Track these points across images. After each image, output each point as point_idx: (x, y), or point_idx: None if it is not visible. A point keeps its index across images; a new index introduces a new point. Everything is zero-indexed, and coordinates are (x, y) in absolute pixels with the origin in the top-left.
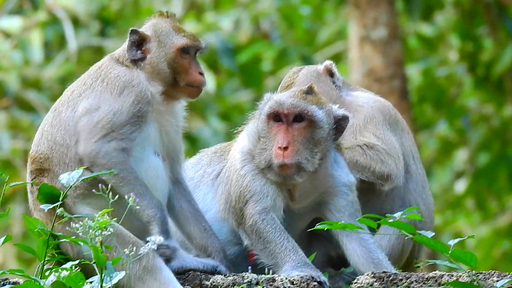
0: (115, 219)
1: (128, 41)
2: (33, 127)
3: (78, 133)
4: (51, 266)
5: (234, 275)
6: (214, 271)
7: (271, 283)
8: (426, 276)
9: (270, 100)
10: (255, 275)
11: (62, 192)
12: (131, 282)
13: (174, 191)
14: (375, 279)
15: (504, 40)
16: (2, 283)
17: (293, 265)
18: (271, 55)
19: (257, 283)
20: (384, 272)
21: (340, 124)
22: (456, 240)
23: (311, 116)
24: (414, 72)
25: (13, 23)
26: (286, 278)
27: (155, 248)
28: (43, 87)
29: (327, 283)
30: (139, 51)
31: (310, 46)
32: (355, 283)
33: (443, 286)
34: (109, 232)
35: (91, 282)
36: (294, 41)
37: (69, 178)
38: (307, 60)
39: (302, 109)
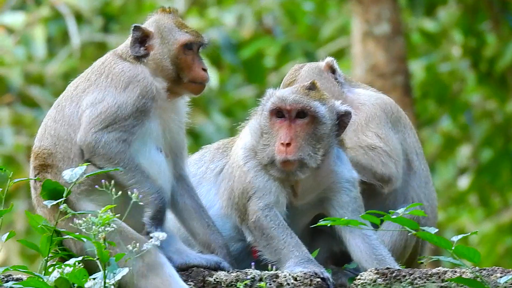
0: (118, 215)
1: (131, 37)
2: (36, 123)
3: (81, 125)
4: (54, 263)
5: (237, 271)
6: (217, 267)
7: (274, 279)
8: (429, 272)
9: (273, 96)
10: (258, 271)
11: (65, 188)
12: (134, 279)
13: (177, 187)
14: (378, 275)
15: (507, 35)
16: (5, 279)
17: (296, 261)
18: (274, 50)
19: (260, 279)
20: (387, 268)
21: (342, 120)
22: (460, 236)
23: (313, 112)
24: (417, 67)
25: (16, 19)
26: (289, 274)
27: (158, 245)
28: (46, 83)
29: (330, 279)
30: (142, 48)
31: (313, 41)
32: (358, 279)
33: (446, 282)
34: (112, 228)
35: (94, 279)
36: (297, 36)
37: (72, 174)
38: (310, 56)
39: (305, 105)
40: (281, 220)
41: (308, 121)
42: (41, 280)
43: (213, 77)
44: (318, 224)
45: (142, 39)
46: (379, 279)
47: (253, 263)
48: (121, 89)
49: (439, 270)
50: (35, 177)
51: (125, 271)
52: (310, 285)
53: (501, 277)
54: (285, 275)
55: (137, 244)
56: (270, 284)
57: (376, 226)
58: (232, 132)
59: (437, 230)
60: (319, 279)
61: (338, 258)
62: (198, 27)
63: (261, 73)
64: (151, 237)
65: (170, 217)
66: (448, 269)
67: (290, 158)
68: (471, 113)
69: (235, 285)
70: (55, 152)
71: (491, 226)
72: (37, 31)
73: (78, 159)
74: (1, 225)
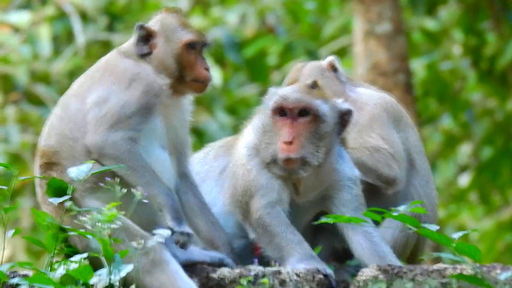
0: (123, 212)
1: (135, 36)
2: (42, 121)
3: (86, 125)
4: (59, 259)
5: (240, 267)
6: (221, 264)
7: (277, 275)
8: (430, 269)
9: (275, 95)
10: (261, 268)
11: (70, 186)
12: (139, 275)
13: (181, 185)
14: (380, 272)
15: (508, 34)
16: (11, 275)
17: (298, 258)
18: (277, 49)
19: (263, 276)
20: (388, 265)
21: (344, 118)
22: (460, 233)
23: (315, 110)
24: (418, 66)
25: (22, 18)
26: (292, 271)
27: (163, 241)
28: (52, 81)
29: (333, 276)
30: (146, 46)
31: (315, 40)
32: (360, 275)
33: (447, 279)
34: (117, 225)
35: (99, 275)
36: (299, 35)
37: (77, 172)
38: (312, 55)
39: (307, 104)
40: (283, 218)
41: (310, 119)
42: (47, 276)
43: (216, 76)
44: (320, 221)
45: (146, 37)
46: (381, 276)
47: (256, 260)
48: (124, 87)
49: (439, 266)
50: (41, 175)
51: (129, 267)
52: (313, 281)
53: (501, 273)
54: (287, 271)
55: (142, 241)
56: (273, 281)
57: (378, 224)
58: (236, 130)
59: (438, 227)
60: (321, 276)
61: (340, 255)
62: (202, 26)
63: (264, 72)
64: (183, 234)
65: None
66: (448, 265)
67: (293, 156)
68: (471, 112)
69: (239, 282)
70: (60, 150)
71: (491, 223)
72: (42, 30)
73: (82, 157)
74: (7, 222)
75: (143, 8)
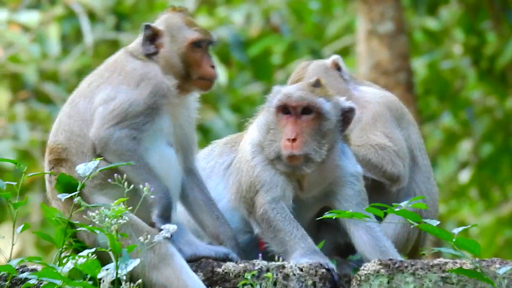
0: (130, 208)
1: (141, 36)
2: (51, 118)
3: (94, 120)
4: (68, 254)
5: (245, 262)
6: (226, 259)
7: (281, 270)
8: (431, 263)
9: (279, 93)
10: (265, 262)
11: (79, 182)
12: (145, 270)
13: (188, 181)
14: (381, 266)
15: (507, 34)
16: (21, 270)
17: (302, 253)
18: (281, 48)
19: (268, 270)
20: (390, 259)
21: (347, 116)
22: (460, 229)
23: (318, 108)
24: (419, 65)
25: (31, 18)
26: (295, 265)
27: (169, 236)
28: (61, 79)
29: (335, 270)
30: (152, 46)
31: (319, 40)
32: (362, 270)
33: (447, 273)
34: (124, 221)
35: (107, 269)
36: (303, 35)
37: (85, 168)
38: (316, 54)
39: (310, 102)
40: (287, 213)
41: (313, 117)
42: (55, 271)
43: (221, 74)
44: (324, 216)
45: (153, 37)
46: (382, 270)
47: (260, 254)
48: (133, 87)
49: (440, 261)
50: (50, 171)
51: (136, 262)
52: (316, 275)
53: (500, 268)
54: (291, 266)
55: (148, 236)
56: (276, 275)
57: (379, 219)
58: (240, 127)
59: (438, 222)
60: (324, 270)
61: (343, 250)
62: (208, 26)
63: (269, 70)
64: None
65: (180, 210)
66: (449, 260)
67: (296, 153)
68: (472, 109)
69: (243, 276)
70: (69, 147)
71: (491, 218)
72: (51, 30)
73: (91, 153)
74: (17, 217)
75: (150, 8)
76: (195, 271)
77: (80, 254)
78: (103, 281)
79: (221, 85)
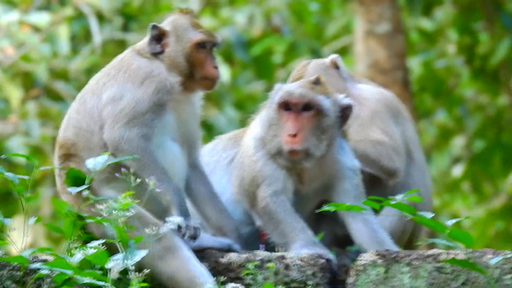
0: (138, 201)
1: (148, 35)
2: (61, 115)
3: (103, 120)
4: (78, 245)
5: (247, 253)
6: (229, 249)
7: (282, 260)
8: (425, 254)
9: (281, 90)
10: (267, 253)
11: (88, 176)
12: (153, 261)
13: (192, 175)
14: (378, 257)
15: (500, 34)
16: (33, 260)
17: (302, 244)
18: (282, 48)
19: (269, 261)
20: (386, 250)
21: (345, 112)
22: (454, 221)
23: (318, 105)
24: (415, 64)
25: (42, 18)
26: (296, 256)
27: (175, 228)
28: (70, 78)
29: (334, 261)
30: (158, 45)
31: (318, 39)
32: (360, 260)
33: (441, 263)
34: (132, 213)
35: (115, 260)
36: (303, 35)
37: (95, 163)
38: (315, 53)
39: (310, 99)
40: (288, 206)
41: (313, 113)
42: (66, 261)
43: (225, 73)
44: (323, 209)
45: (159, 37)
46: (379, 260)
47: (262, 246)
48: (138, 85)
49: (434, 252)
50: (60, 165)
51: (143, 253)
52: (315, 265)
53: (492, 258)
54: (291, 256)
55: (155, 228)
56: (278, 265)
57: (376, 211)
58: (243, 124)
59: (433, 215)
60: (323, 260)
61: (341, 241)
62: (211, 26)
63: (270, 69)
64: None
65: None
66: (443, 251)
67: (297, 148)
68: (465, 106)
69: (245, 266)
70: (78, 142)
71: (483, 211)
72: (61, 30)
73: (98, 148)
74: (28, 210)
75: (157, 9)
76: (200, 261)
77: (90, 245)
78: (112, 271)
79: (224, 83)
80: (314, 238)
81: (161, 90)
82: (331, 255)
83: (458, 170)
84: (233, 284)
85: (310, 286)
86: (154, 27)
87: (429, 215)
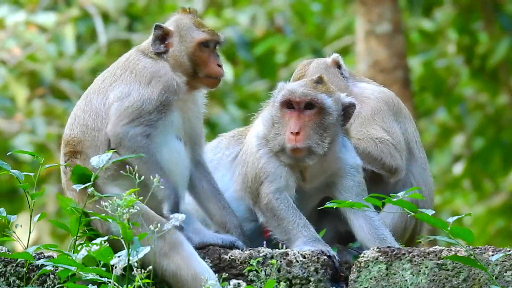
0: (141, 198)
1: (152, 35)
2: (67, 114)
3: (108, 117)
4: (82, 242)
5: (250, 249)
6: (232, 246)
7: (284, 257)
8: (427, 251)
9: (283, 89)
10: (269, 250)
11: (93, 173)
12: (156, 257)
13: (196, 172)
14: (380, 253)
15: (499, 34)
16: (37, 257)
17: (304, 241)
18: (285, 48)
19: (272, 257)
20: (388, 247)
21: (347, 110)
22: (455, 218)
23: (321, 103)
24: (415, 63)
25: (48, 19)
26: (298, 252)
27: (178, 225)
28: (76, 77)
29: (336, 257)
30: (162, 45)
31: (320, 39)
32: (361, 257)
33: (442, 260)
34: (136, 210)
35: (119, 256)
36: (305, 35)
37: (99, 160)
38: (317, 53)
39: (313, 97)
40: (290, 203)
41: (315, 112)
42: (70, 257)
43: (228, 72)
44: (325, 206)
45: (163, 37)
46: (381, 257)
47: (265, 242)
48: (144, 84)
49: (435, 248)
50: (65, 163)
51: (147, 249)
52: (317, 262)
53: (492, 255)
54: (294, 253)
55: (159, 225)
56: (280, 261)
57: (378, 209)
58: (246, 122)
59: (434, 212)
60: (325, 257)
61: (343, 238)
62: (215, 26)
63: (273, 69)
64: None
65: (189, 200)
66: (444, 247)
67: (299, 146)
68: (465, 105)
69: (248, 262)
70: (84, 140)
71: (483, 209)
72: (67, 30)
73: (104, 146)
74: (33, 207)
75: (161, 9)
76: (203, 258)
77: (94, 242)
78: (116, 267)
79: (228, 82)
80: (317, 234)
81: (168, 90)
82: (333, 252)
83: (458, 168)
84: (235, 281)
85: (312, 283)
86: (158, 27)
87: (430, 212)
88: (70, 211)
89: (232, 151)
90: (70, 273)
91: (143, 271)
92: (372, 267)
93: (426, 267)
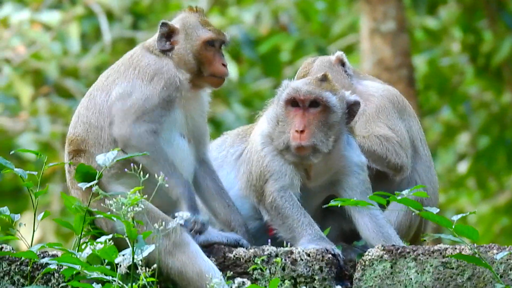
0: (146, 196)
1: (158, 32)
2: (71, 112)
3: (113, 116)
4: (87, 240)
5: (255, 248)
6: (236, 244)
7: (289, 255)
8: (431, 249)
9: (288, 87)
10: (274, 248)
11: (97, 172)
12: (161, 256)
13: (200, 170)
14: (384, 252)
15: (503, 32)
16: (42, 255)
17: (309, 239)
18: (289, 46)
19: (276, 255)
20: (393, 245)
21: (352, 108)
22: (459, 216)
23: (325, 101)
24: (420, 62)
25: (53, 17)
26: (303, 251)
27: (183, 223)
28: (80, 75)
29: (341, 255)
30: (168, 42)
31: (325, 38)
32: (366, 255)
33: (447, 258)
34: (140, 208)
35: (123, 255)
36: (310, 33)
37: (104, 158)
38: (322, 51)
39: (317, 95)
40: (295, 201)
41: (320, 110)
42: (75, 256)
43: (233, 70)
44: (330, 204)
45: (168, 34)
46: (385, 255)
47: (269, 240)
48: (147, 81)
49: (440, 247)
50: (70, 161)
51: (151, 248)
52: (322, 260)
53: (497, 253)
54: (299, 251)
55: (163, 223)
56: (285, 260)
57: (383, 207)
58: (251, 120)
59: (438, 210)
60: (330, 255)
61: (348, 236)
62: (220, 25)
63: (277, 67)
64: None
65: None
66: (448, 246)
67: (304, 144)
68: (469, 104)
69: (253, 261)
70: (87, 138)
71: (488, 207)
72: (71, 28)
73: (107, 144)
74: (38, 206)
75: (166, 8)
76: (208, 257)
77: (98, 240)
78: (120, 266)
79: (232, 80)
80: (321, 233)
81: (170, 87)
82: (337, 250)
83: (463, 167)
84: (240, 279)
85: (317, 281)
86: (164, 24)
87: (435, 210)
88: (75, 209)
89: (236, 149)
90: (74, 272)
91: (147, 269)
92: (377, 266)
93: (431, 266)
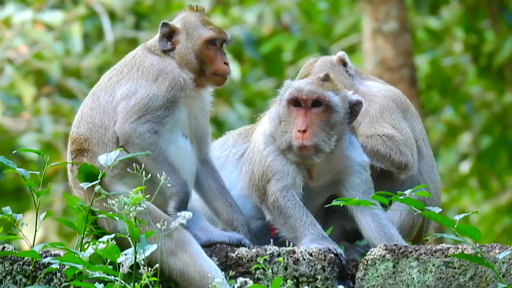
0: (148, 196)
1: (159, 32)
2: (73, 112)
3: (116, 114)
4: (89, 240)
5: (257, 247)
6: (239, 244)
7: (291, 254)
8: (434, 249)
9: (290, 87)
10: (276, 248)
11: (100, 171)
12: (163, 255)
13: (202, 170)
14: (387, 251)
15: (505, 32)
16: (44, 255)
17: (311, 238)
18: (291, 46)
19: (279, 255)
20: (395, 245)
21: (354, 108)
22: (462, 216)
23: (327, 101)
24: (422, 62)
25: (55, 17)
26: (305, 250)
27: (185, 223)
28: (83, 75)
29: (343, 255)
30: (169, 42)
31: (327, 38)
32: (368, 255)
33: (449, 258)
34: (142, 208)
35: (125, 254)
36: (312, 33)
37: (107, 158)
38: (324, 51)
39: (320, 95)
40: (297, 201)
41: (322, 109)
42: (77, 255)
43: (235, 70)
44: (332, 204)
45: (170, 34)
46: (388, 255)
47: (271, 240)
48: (151, 81)
49: (442, 246)
50: (72, 160)
51: (153, 247)
52: (324, 260)
53: (499, 253)
54: (301, 251)
55: (165, 223)
56: (287, 259)
57: (385, 206)
58: (253, 120)
59: (441, 210)
60: (332, 255)
61: (350, 236)
62: (222, 25)
63: (279, 67)
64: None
65: (196, 197)
66: (451, 245)
67: (306, 144)
68: (471, 104)
69: (255, 260)
70: (91, 138)
71: (490, 207)
72: (74, 28)
73: (111, 144)
74: (40, 205)
75: (168, 8)
76: (210, 256)
77: (101, 240)
78: (122, 265)
79: (235, 80)
80: (323, 232)
81: (175, 87)
82: (340, 250)
83: (465, 167)
84: (242, 279)
85: (319, 281)
86: (165, 24)
87: (437, 209)
88: (77, 209)
89: (239, 149)
90: (76, 271)
91: (150, 269)
92: (379, 265)
93: (433, 265)
